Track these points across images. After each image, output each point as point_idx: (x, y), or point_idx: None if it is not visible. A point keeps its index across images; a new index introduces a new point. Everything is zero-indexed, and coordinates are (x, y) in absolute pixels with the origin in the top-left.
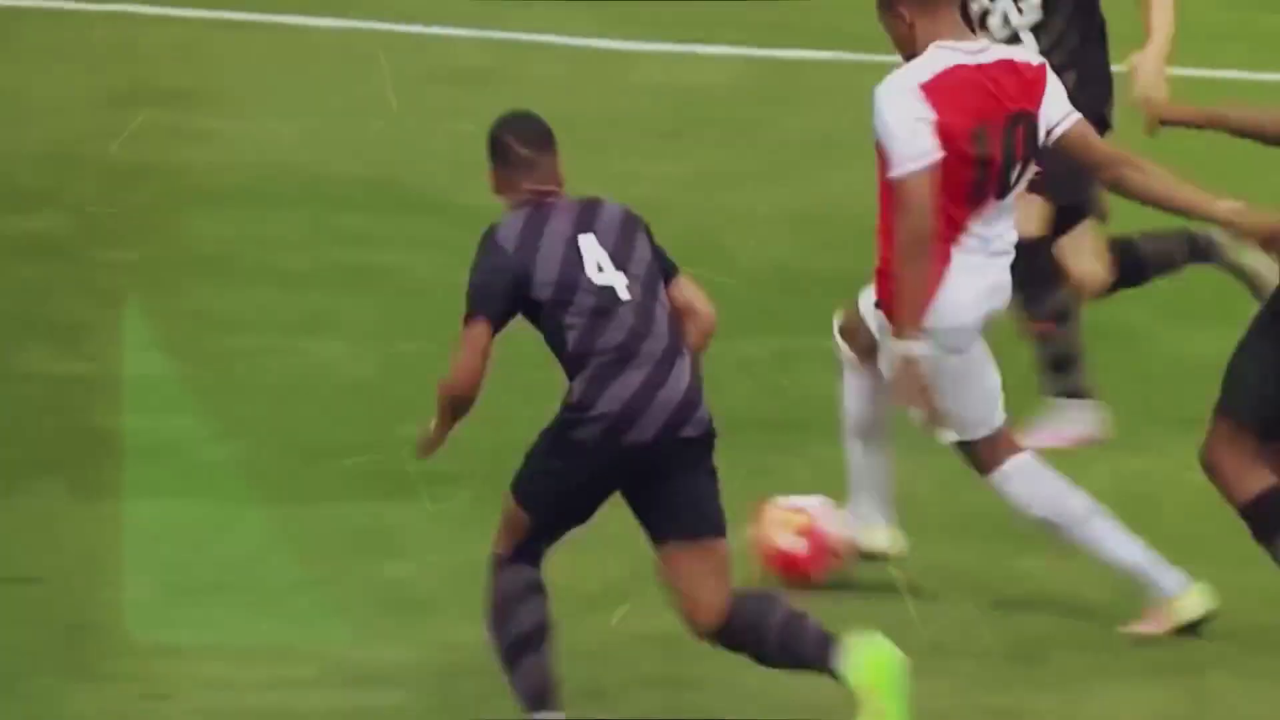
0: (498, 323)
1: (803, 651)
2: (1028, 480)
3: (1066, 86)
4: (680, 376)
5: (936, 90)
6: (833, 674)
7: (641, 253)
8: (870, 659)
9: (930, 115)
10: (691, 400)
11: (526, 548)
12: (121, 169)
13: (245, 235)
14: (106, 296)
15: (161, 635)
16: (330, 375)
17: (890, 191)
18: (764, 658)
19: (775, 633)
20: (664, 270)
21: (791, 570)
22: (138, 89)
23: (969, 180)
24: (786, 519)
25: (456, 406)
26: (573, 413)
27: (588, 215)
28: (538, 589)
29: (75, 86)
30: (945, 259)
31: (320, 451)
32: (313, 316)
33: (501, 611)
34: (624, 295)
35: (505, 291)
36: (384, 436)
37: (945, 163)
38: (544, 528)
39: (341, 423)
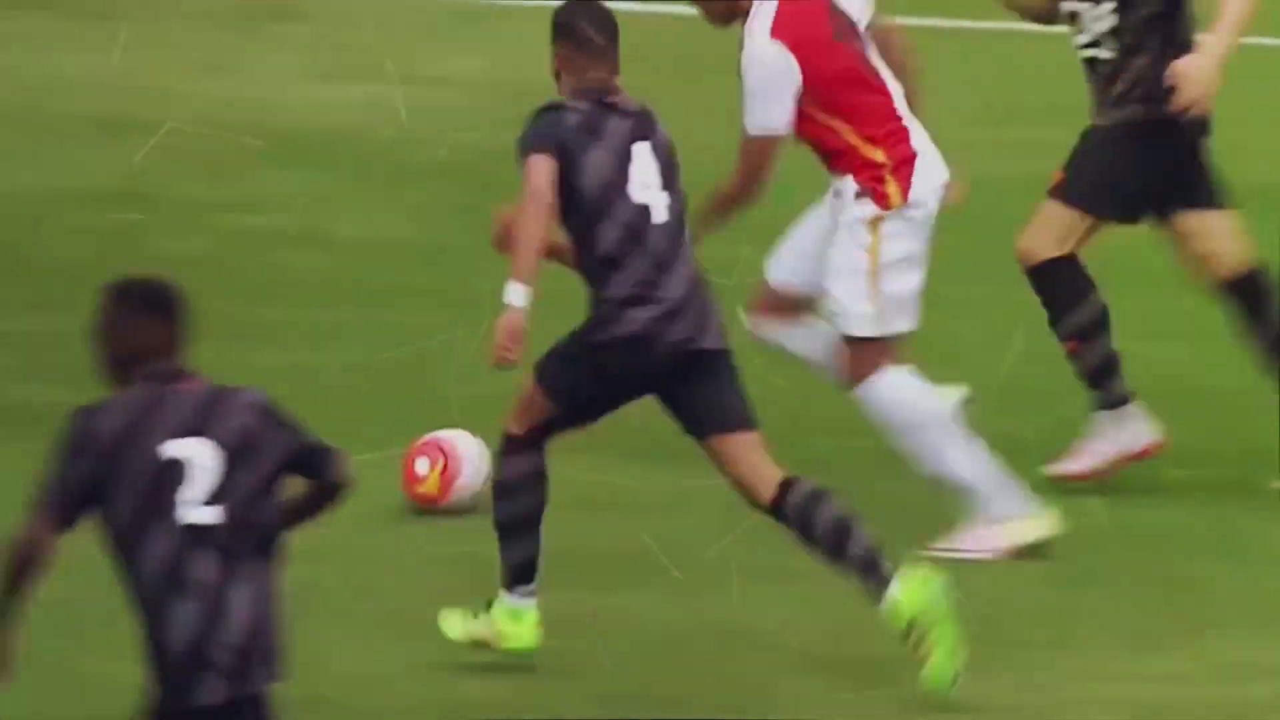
0: (552, 160)
1: (849, 554)
2: (895, 387)
3: (1156, 93)
4: (699, 300)
5: (782, 27)
6: (875, 589)
7: (679, 178)
8: (919, 589)
9: (791, 68)
10: (706, 320)
11: (538, 433)
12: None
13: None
14: None
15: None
16: (1178, 380)
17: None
18: (811, 545)
19: (824, 525)
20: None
21: (423, 500)
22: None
23: (860, 65)
24: (423, 452)
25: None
26: (602, 322)
27: (645, 122)
28: (542, 478)
29: None
30: (905, 135)
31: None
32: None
33: (507, 491)
34: (659, 217)
35: (556, 148)
36: (1231, 444)
37: (841, 66)
38: (559, 420)
39: (1190, 429)
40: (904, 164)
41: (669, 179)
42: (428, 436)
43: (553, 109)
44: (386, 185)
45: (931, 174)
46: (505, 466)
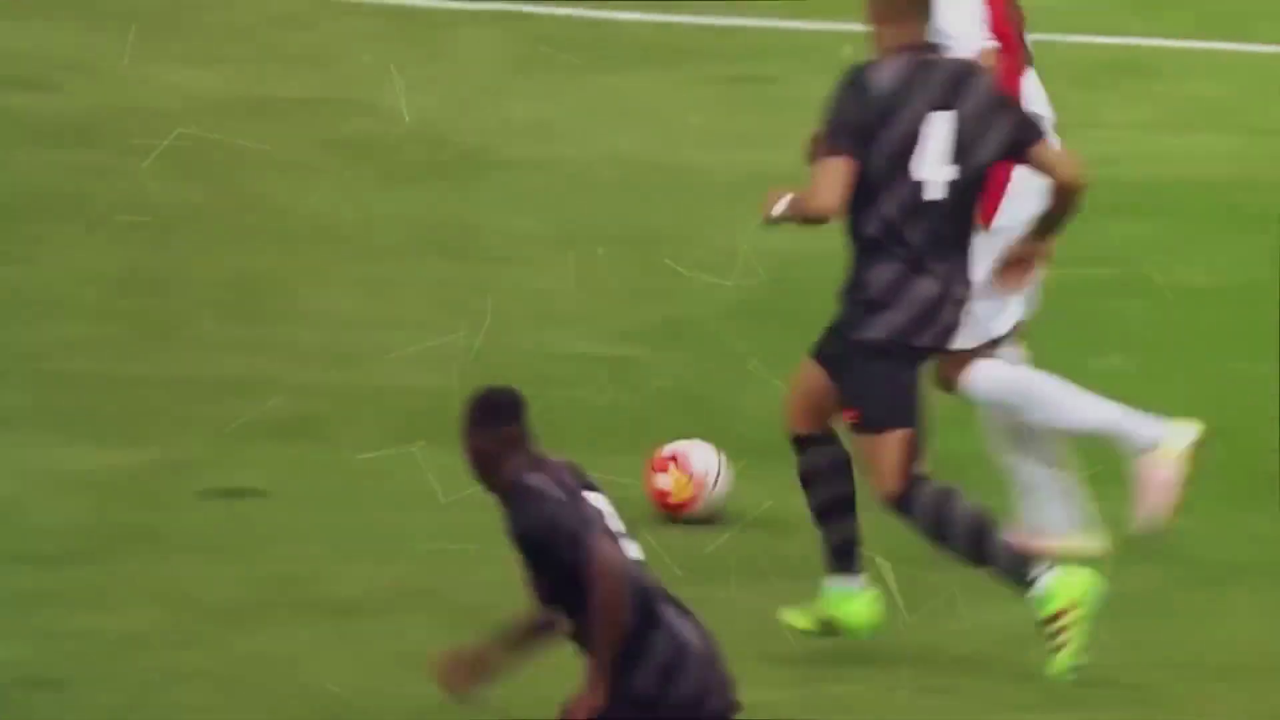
0: (856, 160)
1: (991, 555)
2: (991, 374)
3: None
4: (958, 293)
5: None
6: (1024, 588)
7: (995, 135)
8: (1069, 584)
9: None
10: (957, 318)
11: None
12: None
13: None
14: None
15: None
16: None
17: None
18: (944, 543)
19: (961, 525)
20: (1024, 141)
21: (668, 506)
22: None
23: (1020, 55)
24: (661, 462)
25: (811, 220)
26: (868, 309)
27: (958, 86)
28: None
29: None
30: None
31: None
32: None
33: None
34: (938, 194)
35: (862, 130)
36: None
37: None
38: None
39: None
40: (993, 190)
41: (965, 150)
42: (672, 447)
43: (860, 77)
44: (1220, 232)
45: (1022, 205)
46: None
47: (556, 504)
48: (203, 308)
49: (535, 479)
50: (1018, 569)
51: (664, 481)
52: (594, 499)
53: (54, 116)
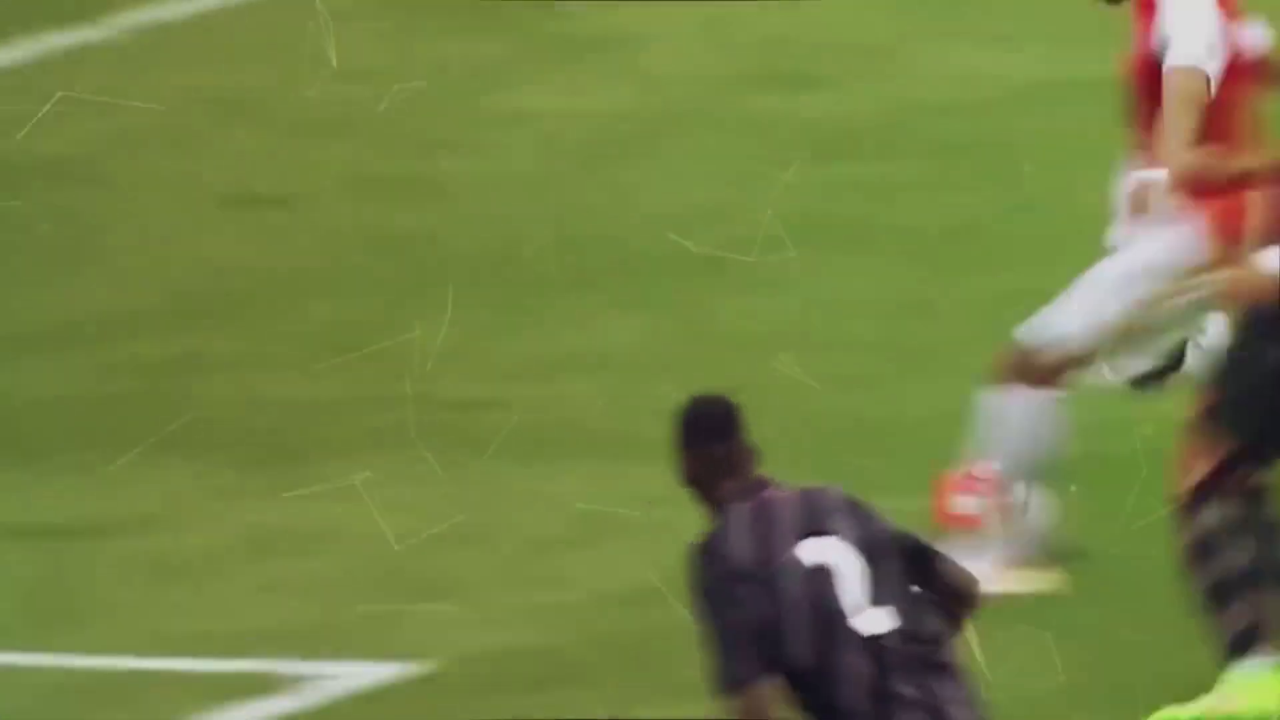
0: None
1: (1223, 615)
2: None
3: None
4: None
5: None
6: (1227, 663)
7: None
8: (1257, 685)
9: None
10: None
11: (1228, 478)
12: None
13: None
14: None
15: None
16: None
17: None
18: (1191, 571)
19: (1218, 568)
20: None
21: (966, 528)
22: None
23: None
24: (962, 485)
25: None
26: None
27: None
28: (1247, 532)
29: None
30: None
31: None
32: None
33: (1204, 549)
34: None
35: None
36: None
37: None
38: (1248, 451)
39: None
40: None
41: None
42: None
43: None
44: None
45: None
46: (1205, 533)
47: (728, 604)
48: (961, 333)
49: (735, 519)
50: (1237, 646)
51: (970, 505)
52: (819, 549)
53: (822, 121)
